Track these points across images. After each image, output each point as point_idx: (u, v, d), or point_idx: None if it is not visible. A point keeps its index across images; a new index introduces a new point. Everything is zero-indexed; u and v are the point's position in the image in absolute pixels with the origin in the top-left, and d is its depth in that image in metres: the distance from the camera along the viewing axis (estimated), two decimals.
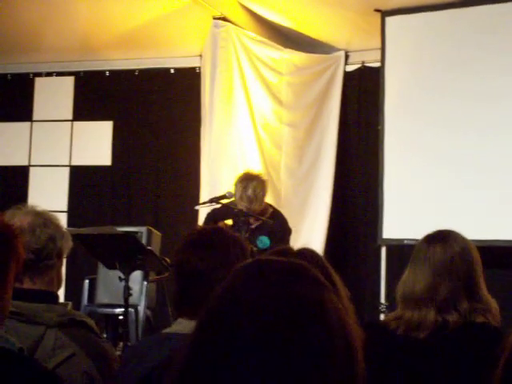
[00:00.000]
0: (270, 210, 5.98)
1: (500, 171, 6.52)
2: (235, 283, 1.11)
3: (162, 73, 8.20)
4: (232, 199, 5.81)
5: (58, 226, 2.58)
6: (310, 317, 1.08)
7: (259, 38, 7.38)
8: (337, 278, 1.94)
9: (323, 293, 1.12)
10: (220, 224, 5.75)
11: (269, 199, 6.25)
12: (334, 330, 1.09)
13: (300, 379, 1.04)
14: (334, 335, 1.09)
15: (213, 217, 5.99)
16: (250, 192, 5.69)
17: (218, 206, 5.96)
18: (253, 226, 5.79)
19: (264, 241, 5.53)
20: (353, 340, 1.12)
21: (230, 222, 5.92)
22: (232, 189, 5.85)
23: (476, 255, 2.87)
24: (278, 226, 5.79)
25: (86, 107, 8.46)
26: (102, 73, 8.38)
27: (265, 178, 5.97)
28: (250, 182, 5.74)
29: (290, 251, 2.01)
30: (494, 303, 2.82)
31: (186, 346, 1.11)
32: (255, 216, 5.73)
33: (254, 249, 5.27)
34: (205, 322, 1.11)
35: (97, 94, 8.45)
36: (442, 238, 2.87)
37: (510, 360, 1.26)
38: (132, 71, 8.28)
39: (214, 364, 1.05)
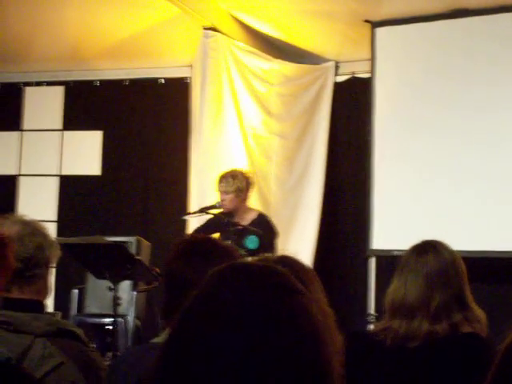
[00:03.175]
0: (253, 213, 5.97)
1: (491, 181, 6.52)
2: (206, 289, 1.11)
3: (152, 83, 8.20)
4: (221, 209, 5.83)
5: (45, 235, 2.58)
6: (279, 323, 1.07)
7: (249, 48, 7.38)
8: (316, 287, 1.94)
9: (294, 299, 1.11)
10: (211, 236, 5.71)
11: (258, 209, 6.25)
12: (303, 335, 1.08)
13: None
14: (304, 341, 1.08)
15: (204, 229, 5.93)
16: (221, 185, 5.85)
17: (209, 216, 5.95)
18: (240, 227, 5.73)
19: (253, 240, 5.47)
20: (326, 346, 1.11)
21: (216, 235, 5.86)
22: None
23: (463, 265, 2.88)
24: (263, 231, 5.72)
25: (75, 117, 8.44)
26: (91, 82, 8.36)
27: (244, 175, 5.96)
28: (224, 178, 5.87)
29: (269, 259, 2.02)
30: (482, 313, 2.83)
31: (159, 355, 1.11)
32: (241, 226, 5.71)
33: (243, 252, 5.20)
34: (175, 331, 1.10)
35: (87, 103, 8.43)
36: (432, 247, 2.88)
37: (498, 371, 1.26)
38: (122, 81, 8.27)
39: (183, 373, 1.05)
